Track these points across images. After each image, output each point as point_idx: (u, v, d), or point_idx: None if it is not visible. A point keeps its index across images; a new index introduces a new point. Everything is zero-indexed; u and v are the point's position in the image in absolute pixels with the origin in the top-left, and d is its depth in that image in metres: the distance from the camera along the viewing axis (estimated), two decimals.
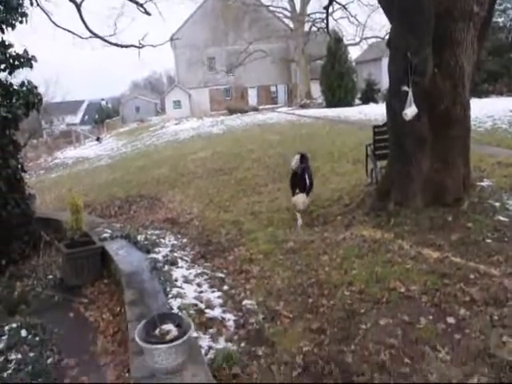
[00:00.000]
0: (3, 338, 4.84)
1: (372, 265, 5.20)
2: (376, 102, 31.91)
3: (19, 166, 7.98)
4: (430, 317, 4.07)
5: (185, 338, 3.19)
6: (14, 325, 5.06)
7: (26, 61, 7.96)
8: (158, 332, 3.28)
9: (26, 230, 7.72)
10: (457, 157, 6.51)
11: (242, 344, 4.09)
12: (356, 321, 4.20)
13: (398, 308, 4.28)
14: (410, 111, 6.00)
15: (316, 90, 38.29)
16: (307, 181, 7.44)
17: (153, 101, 68.34)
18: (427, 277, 4.72)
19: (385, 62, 8.38)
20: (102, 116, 62.97)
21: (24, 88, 7.98)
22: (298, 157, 7.83)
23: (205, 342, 4.06)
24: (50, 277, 6.67)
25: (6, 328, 5.02)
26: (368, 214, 6.77)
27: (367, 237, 6.01)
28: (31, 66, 8.11)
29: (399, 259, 5.23)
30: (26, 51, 8.00)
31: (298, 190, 7.36)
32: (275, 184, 10.31)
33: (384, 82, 29.26)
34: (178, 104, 46.93)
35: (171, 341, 3.15)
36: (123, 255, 6.14)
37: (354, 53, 44.35)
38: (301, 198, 7.28)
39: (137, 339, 3.23)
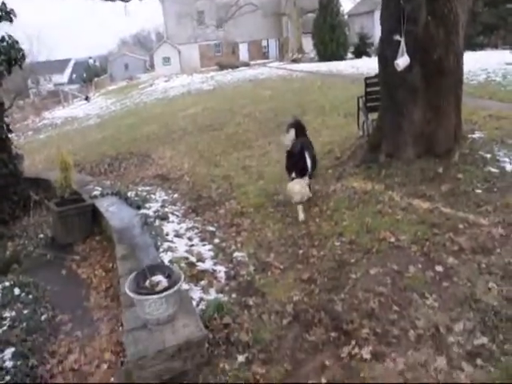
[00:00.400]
0: None
1: (362, 216, 5.23)
2: (369, 55, 31.39)
3: (4, 126, 7.81)
4: (419, 265, 4.13)
5: (175, 288, 3.21)
6: (7, 283, 5.11)
7: (4, 14, 7.65)
8: (148, 283, 3.30)
9: (15, 190, 7.66)
10: (448, 107, 6.41)
11: (233, 295, 4.16)
12: (346, 270, 4.26)
13: (388, 257, 4.33)
14: (402, 61, 5.87)
15: (308, 44, 37.46)
16: (308, 161, 5.76)
17: (142, 58, 66.80)
18: (417, 227, 4.76)
19: (377, 14, 8.10)
20: (90, 75, 61.50)
21: (4, 43, 7.71)
22: (292, 131, 5.92)
23: (196, 293, 4.13)
24: (41, 236, 6.69)
25: None
26: (359, 166, 6.75)
27: (358, 188, 6.01)
28: (11, 20, 7.79)
29: (389, 210, 5.25)
30: (3, 4, 7.67)
31: (294, 175, 5.70)
32: (266, 138, 10.21)
33: (377, 36, 28.63)
34: (167, 60, 45.90)
35: (161, 291, 3.18)
36: (114, 212, 6.13)
37: (346, 5, 43.11)
38: (297, 186, 5.54)
39: (127, 291, 3.25)
